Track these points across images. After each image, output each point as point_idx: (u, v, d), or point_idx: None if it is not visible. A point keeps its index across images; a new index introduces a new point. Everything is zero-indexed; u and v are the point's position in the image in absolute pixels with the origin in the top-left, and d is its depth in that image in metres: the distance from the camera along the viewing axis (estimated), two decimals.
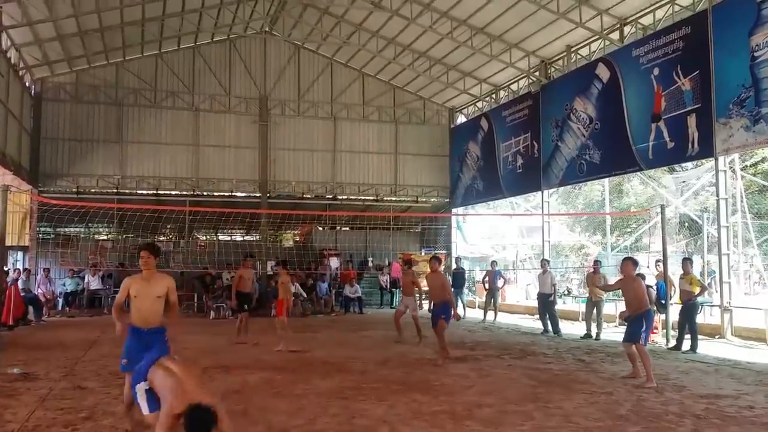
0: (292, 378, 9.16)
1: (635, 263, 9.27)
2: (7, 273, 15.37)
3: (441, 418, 6.71)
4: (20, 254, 22.65)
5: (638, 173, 19.88)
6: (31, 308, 17.30)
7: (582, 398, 7.71)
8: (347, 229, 27.07)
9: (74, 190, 22.34)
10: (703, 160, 18.17)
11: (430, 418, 6.75)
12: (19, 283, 17.19)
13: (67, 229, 22.93)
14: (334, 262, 24.59)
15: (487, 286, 18.33)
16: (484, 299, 18.91)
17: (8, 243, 13.36)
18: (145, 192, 23.30)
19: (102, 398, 7.80)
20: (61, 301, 20.36)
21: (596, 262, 15.11)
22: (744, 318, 14.13)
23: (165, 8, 20.05)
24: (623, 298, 9.47)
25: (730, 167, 17.60)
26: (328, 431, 6.29)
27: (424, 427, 6.39)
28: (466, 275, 22.20)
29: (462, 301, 19.67)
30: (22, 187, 19.82)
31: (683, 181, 24.33)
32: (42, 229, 22.09)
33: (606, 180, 21.98)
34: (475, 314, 19.67)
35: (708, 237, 19.10)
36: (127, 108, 23.13)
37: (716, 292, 14.91)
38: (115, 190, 22.88)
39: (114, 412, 7.05)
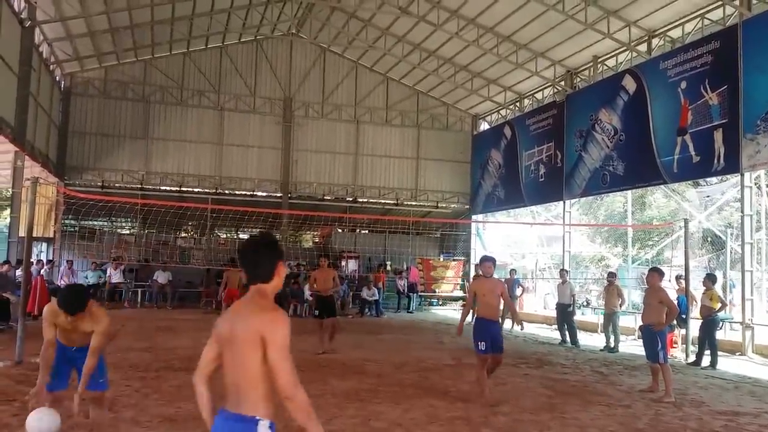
0: (309, 378, 9.20)
1: (660, 274, 9.21)
2: (31, 264, 15.61)
3: (457, 424, 6.73)
4: (44, 245, 23.02)
5: (661, 186, 19.71)
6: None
7: (599, 410, 7.68)
8: (366, 232, 27.15)
9: (99, 184, 22.69)
10: (728, 175, 17.98)
11: (446, 423, 6.77)
12: (43, 274, 17.47)
13: (90, 223, 23.28)
14: (352, 265, 24.68)
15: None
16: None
17: (33, 234, 13.56)
18: (168, 188, 23.58)
19: (123, 390, 7.90)
20: None
21: (611, 275, 15.00)
22: (765, 335, 13.95)
23: (194, 8, 20.34)
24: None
25: (756, 183, 17.41)
26: None
27: None
28: None
29: None
30: (49, 179, 20.14)
31: (707, 196, 24.03)
32: (66, 221, 22.43)
33: (629, 192, 21.83)
34: None
35: (731, 253, 18.87)
36: (154, 105, 23.48)
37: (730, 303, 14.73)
38: (140, 186, 23.20)
39: (135, 404, 7.17)
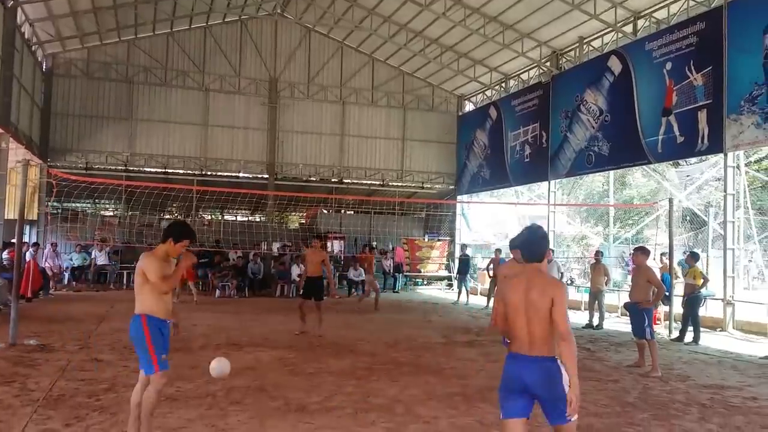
0: (304, 357, 9.35)
1: (646, 253, 9.43)
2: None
3: (455, 400, 6.90)
4: (27, 228, 22.79)
5: (643, 166, 19.97)
6: None
7: (590, 385, 7.88)
8: (352, 212, 27.23)
9: (83, 165, 22.46)
10: (710, 155, 18.23)
11: (444, 399, 6.94)
12: (27, 256, 17.35)
13: (74, 205, 23.08)
14: (337, 246, 24.78)
15: (491, 273, 18.46)
16: (487, 286, 19.08)
17: (17, 217, 13.48)
18: (153, 170, 23.40)
19: (120, 371, 7.99)
20: (67, 275, 20.56)
21: (598, 253, 15.25)
22: (745, 312, 14.32)
23: None
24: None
25: (735, 164, 17.70)
26: (346, 409, 6.46)
27: (438, 408, 6.58)
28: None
29: (466, 288, 19.86)
30: (33, 161, 19.92)
31: (687, 175, 24.38)
32: (50, 203, 22.21)
33: (610, 171, 22.10)
34: (478, 300, 19.84)
35: (711, 231, 19.23)
36: (138, 86, 23.21)
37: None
38: (124, 167, 23.00)
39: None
